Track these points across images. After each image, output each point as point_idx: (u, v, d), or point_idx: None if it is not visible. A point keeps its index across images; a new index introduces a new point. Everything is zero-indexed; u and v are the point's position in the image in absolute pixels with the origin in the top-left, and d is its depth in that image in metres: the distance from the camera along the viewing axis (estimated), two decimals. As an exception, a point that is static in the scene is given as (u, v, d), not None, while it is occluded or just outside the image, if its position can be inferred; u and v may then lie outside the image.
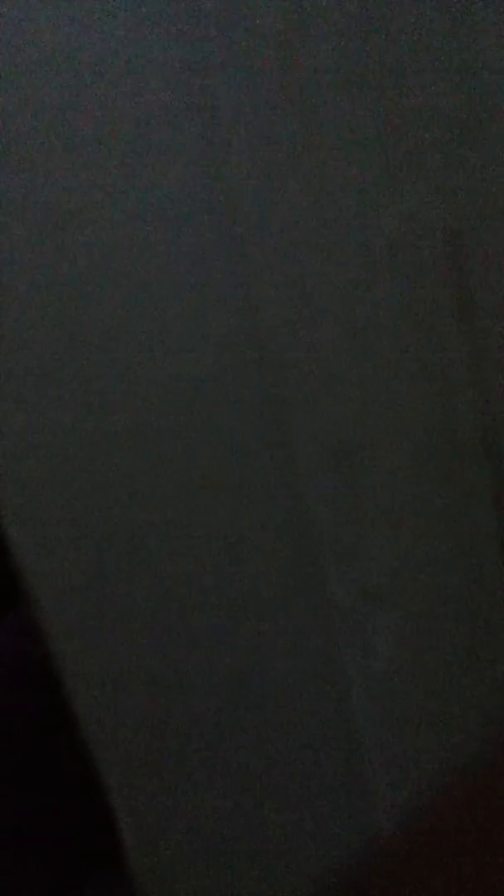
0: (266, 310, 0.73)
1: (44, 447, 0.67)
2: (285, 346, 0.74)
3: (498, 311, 0.82)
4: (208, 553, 0.74)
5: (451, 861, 0.85)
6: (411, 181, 0.76)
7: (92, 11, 0.63)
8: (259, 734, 0.80)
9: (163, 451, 0.71)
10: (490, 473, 0.85)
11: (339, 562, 0.80)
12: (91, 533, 0.70)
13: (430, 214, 0.77)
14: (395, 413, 0.80)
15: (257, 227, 0.71)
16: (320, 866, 0.86)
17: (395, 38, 0.73)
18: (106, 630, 0.72)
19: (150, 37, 0.65)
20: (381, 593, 0.82)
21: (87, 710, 0.73)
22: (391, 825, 0.88)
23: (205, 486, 0.73)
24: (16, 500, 0.67)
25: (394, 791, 0.88)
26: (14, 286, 0.64)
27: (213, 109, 0.68)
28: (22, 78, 0.61)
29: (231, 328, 0.72)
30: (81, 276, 0.66)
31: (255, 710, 0.79)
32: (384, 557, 0.82)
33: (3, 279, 0.64)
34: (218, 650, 0.76)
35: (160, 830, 0.78)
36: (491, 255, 0.81)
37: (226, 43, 0.67)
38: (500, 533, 0.87)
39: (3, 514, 0.67)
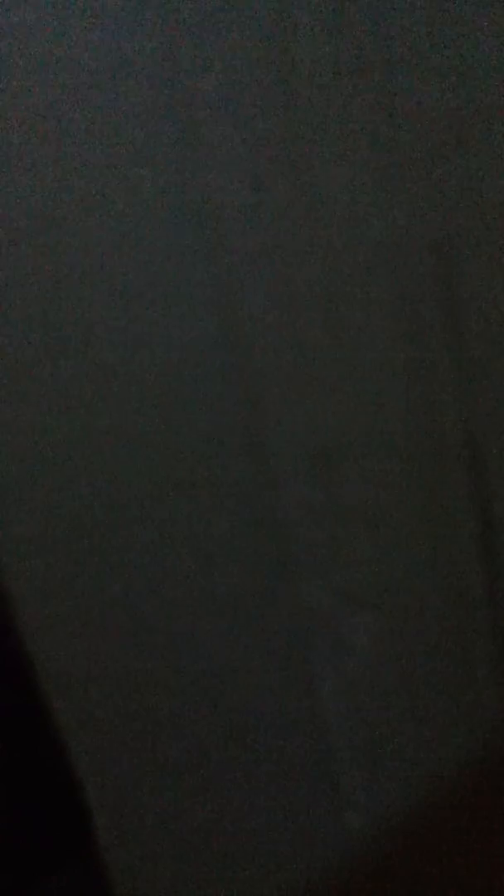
0: (247, 311, 0.73)
1: (17, 445, 0.67)
2: (266, 348, 0.74)
3: (482, 317, 0.82)
4: (184, 553, 0.74)
5: (436, 863, 0.86)
6: (400, 188, 0.76)
7: (73, 6, 0.62)
8: (232, 733, 0.80)
9: (139, 451, 0.71)
10: (471, 477, 0.85)
11: (316, 563, 0.80)
12: (66, 533, 0.69)
13: (418, 222, 0.77)
14: (375, 416, 0.80)
15: (241, 227, 0.71)
16: (292, 865, 0.86)
17: (387, 40, 0.73)
18: (80, 630, 0.72)
19: (132, 32, 0.64)
20: (358, 594, 0.82)
21: (60, 706, 0.73)
22: (364, 826, 0.88)
23: (181, 486, 0.73)
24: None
25: (367, 793, 0.88)
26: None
27: (198, 108, 0.67)
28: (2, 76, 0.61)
29: (211, 330, 0.71)
30: (58, 275, 0.66)
31: (229, 710, 0.79)
32: (362, 559, 0.82)
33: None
34: (192, 650, 0.76)
35: (133, 828, 0.78)
36: (478, 264, 0.81)
37: (211, 40, 0.67)
38: (479, 535, 0.87)
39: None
